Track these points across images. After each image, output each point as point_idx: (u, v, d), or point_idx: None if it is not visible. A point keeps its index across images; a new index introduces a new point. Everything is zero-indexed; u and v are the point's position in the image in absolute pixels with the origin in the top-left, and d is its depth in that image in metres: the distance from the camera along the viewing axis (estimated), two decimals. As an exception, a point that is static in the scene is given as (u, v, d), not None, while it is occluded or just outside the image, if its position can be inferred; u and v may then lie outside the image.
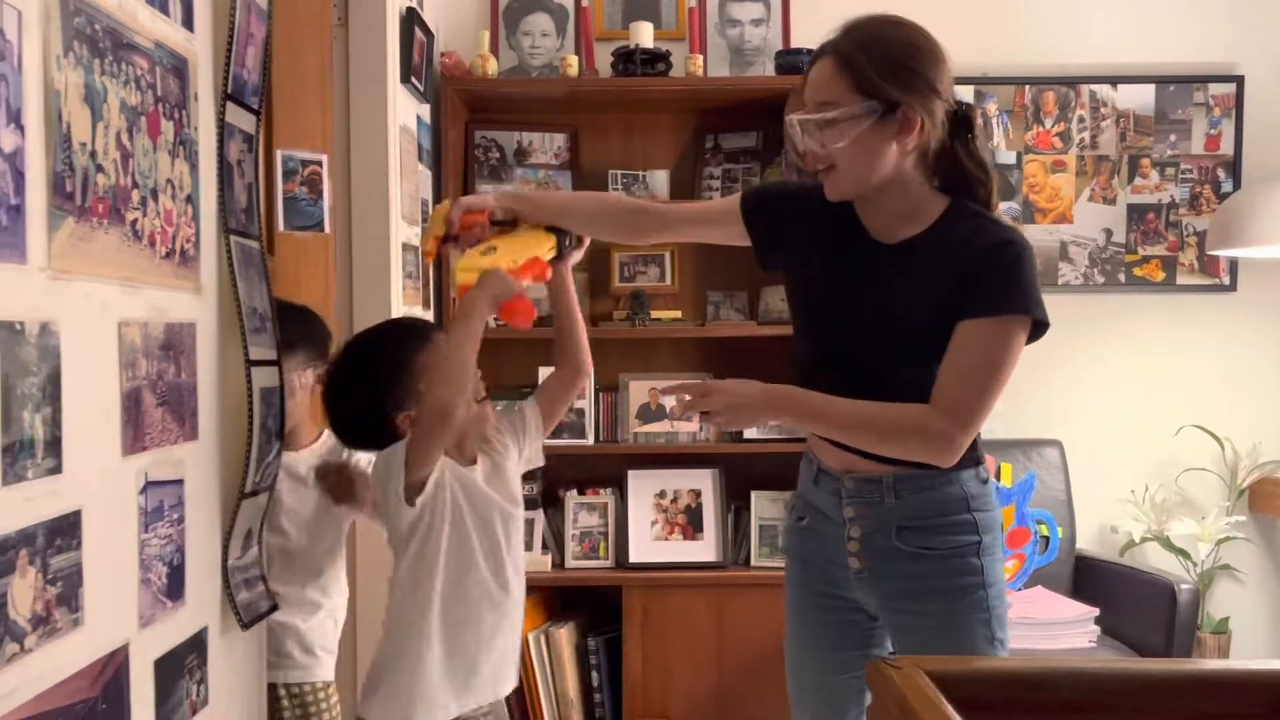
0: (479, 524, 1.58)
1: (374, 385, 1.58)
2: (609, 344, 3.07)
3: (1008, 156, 3.26)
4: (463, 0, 3.25)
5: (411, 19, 2.55)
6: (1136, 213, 3.28)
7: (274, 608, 1.46)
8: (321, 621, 1.80)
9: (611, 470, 3.16)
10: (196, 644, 1.26)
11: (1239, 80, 3.24)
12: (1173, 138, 3.26)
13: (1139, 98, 3.26)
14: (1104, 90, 3.26)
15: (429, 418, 1.50)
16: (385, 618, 1.58)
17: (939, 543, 1.60)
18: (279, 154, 2.30)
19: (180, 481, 1.21)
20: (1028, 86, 3.26)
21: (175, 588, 1.20)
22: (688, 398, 1.58)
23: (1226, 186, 3.24)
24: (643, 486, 3.10)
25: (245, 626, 1.36)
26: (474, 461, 1.63)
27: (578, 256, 1.83)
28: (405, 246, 2.55)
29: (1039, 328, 1.53)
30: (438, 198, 2.96)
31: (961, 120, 1.56)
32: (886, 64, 1.51)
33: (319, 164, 2.35)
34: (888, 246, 1.60)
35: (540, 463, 1.78)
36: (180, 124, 1.22)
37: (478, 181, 3.15)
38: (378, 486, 1.56)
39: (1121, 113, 3.26)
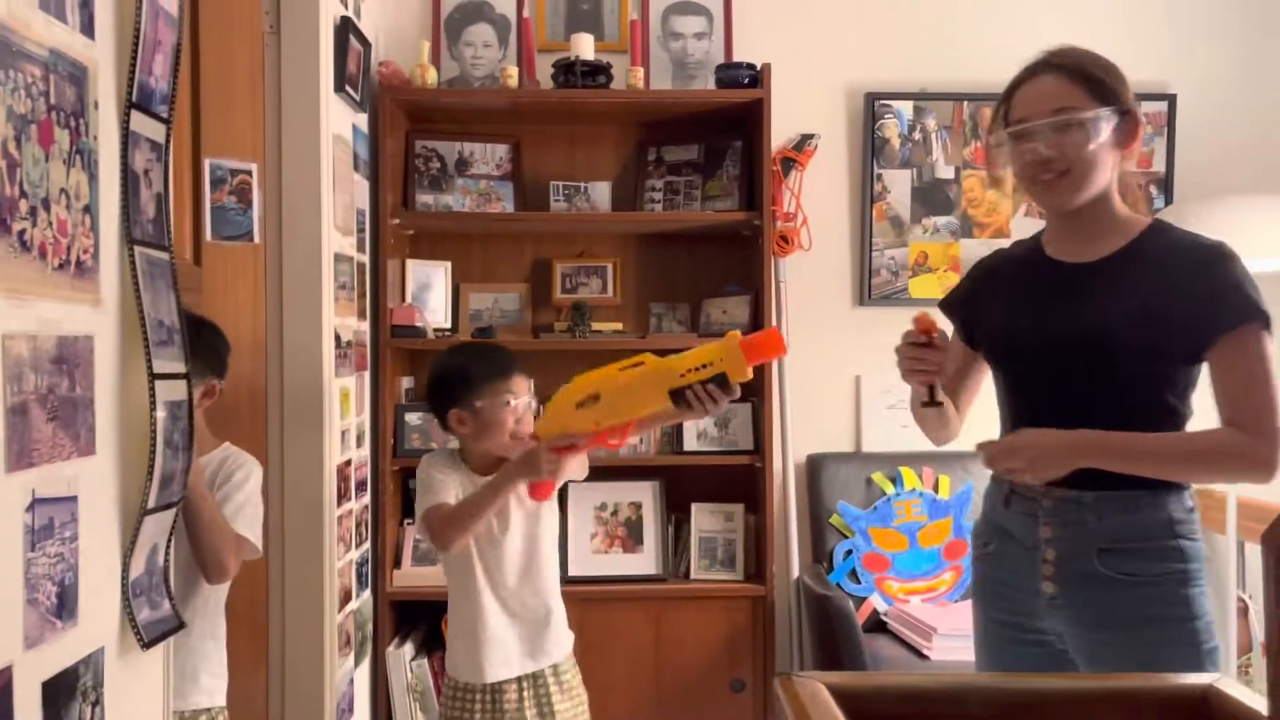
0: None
1: (439, 384, 2.11)
2: (549, 355, 3.06)
3: (946, 171, 3.29)
4: (404, 10, 3.24)
5: (346, 28, 2.52)
6: (1072, 228, 3.32)
7: (180, 626, 1.43)
8: (215, 647, 1.81)
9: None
10: (91, 665, 1.22)
11: (1171, 99, 3.30)
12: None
13: (1074, 115, 3.31)
14: (1040, 107, 3.31)
15: (432, 536, 2.02)
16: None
17: (1143, 569, 1.54)
18: (207, 162, 2.27)
19: (74, 498, 1.18)
20: (965, 102, 3.30)
21: (66, 607, 1.16)
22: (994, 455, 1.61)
23: (1159, 203, 3.30)
24: (583, 499, 3.09)
25: (146, 646, 1.33)
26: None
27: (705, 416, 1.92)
28: (338, 257, 2.52)
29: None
30: (376, 206, 2.94)
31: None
32: (1112, 74, 1.61)
33: (248, 173, 2.32)
34: (1083, 265, 1.62)
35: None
36: (77, 132, 1.19)
37: (418, 192, 3.13)
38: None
39: (1057, 129, 3.30)
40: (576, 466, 2.10)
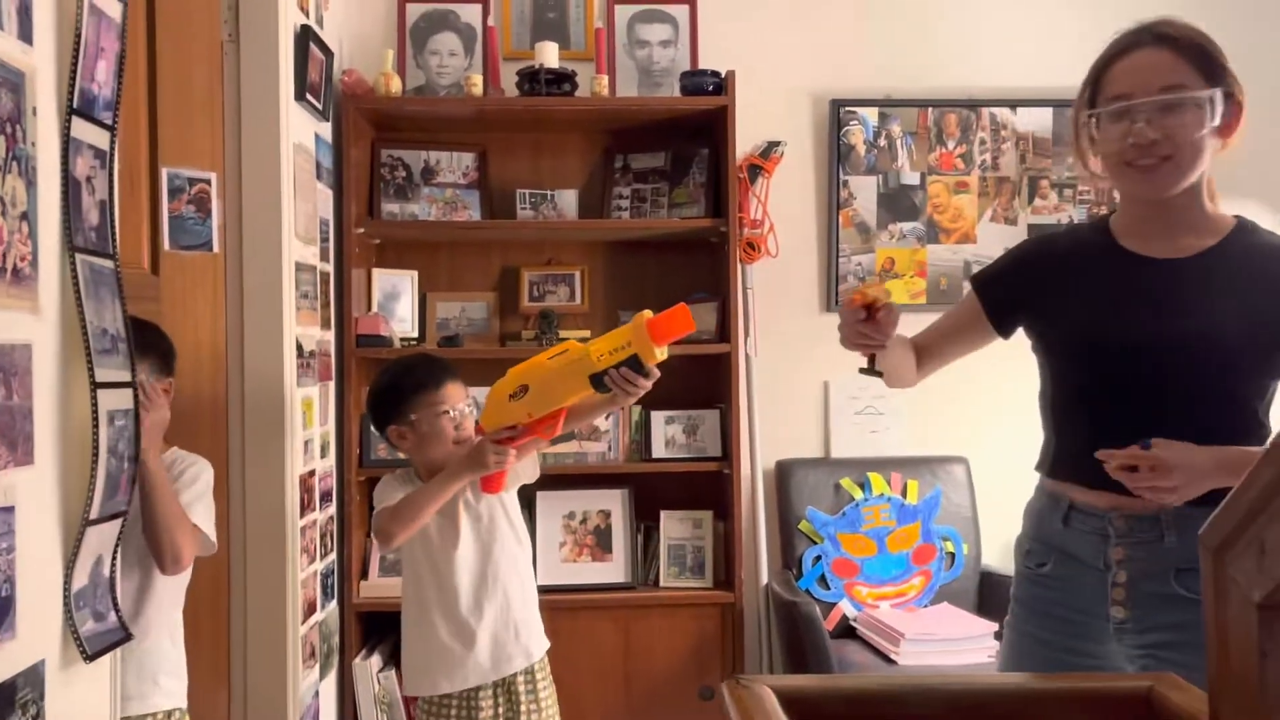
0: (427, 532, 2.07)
1: (373, 402, 2.16)
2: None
3: (911, 177, 3.31)
4: (368, 19, 3.24)
5: (306, 36, 2.51)
6: (1037, 233, 3.34)
7: (127, 637, 1.41)
8: (172, 648, 1.79)
9: (520, 491, 3.13)
10: (32, 677, 1.21)
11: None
12: (1070, 160, 3.34)
13: (1037, 120, 3.34)
14: (1004, 113, 3.33)
15: (376, 532, 2.04)
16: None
17: None
18: (165, 172, 2.26)
19: (10, 509, 1.16)
20: (930, 109, 3.32)
21: (3, 619, 1.15)
22: (1140, 469, 1.42)
23: (1122, 207, 3.33)
24: (551, 508, 3.08)
25: (90, 658, 1.31)
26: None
27: (627, 401, 1.95)
28: (300, 266, 2.51)
29: None
30: (340, 216, 2.93)
31: None
32: (1219, 54, 1.48)
33: (207, 182, 2.31)
34: (1175, 262, 1.52)
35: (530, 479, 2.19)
36: (13, 139, 1.18)
37: (384, 200, 3.12)
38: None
39: (1021, 135, 3.33)
40: (527, 464, 2.10)
